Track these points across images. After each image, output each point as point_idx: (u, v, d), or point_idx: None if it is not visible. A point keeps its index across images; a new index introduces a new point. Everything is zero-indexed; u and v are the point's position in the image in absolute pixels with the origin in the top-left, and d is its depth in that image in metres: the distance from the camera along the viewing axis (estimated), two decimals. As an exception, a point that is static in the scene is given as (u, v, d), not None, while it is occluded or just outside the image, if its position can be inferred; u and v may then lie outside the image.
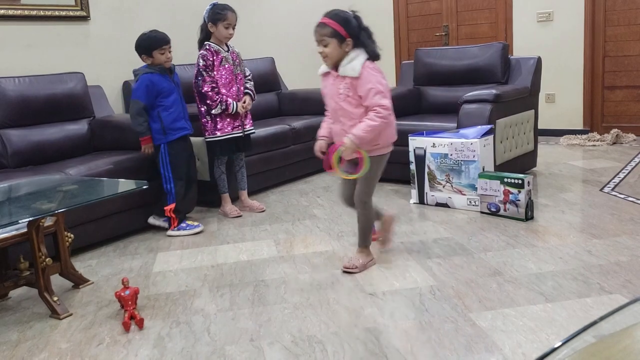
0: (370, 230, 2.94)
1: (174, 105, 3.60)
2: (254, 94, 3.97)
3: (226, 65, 3.78)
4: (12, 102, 3.71)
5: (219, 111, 3.74)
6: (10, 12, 4.00)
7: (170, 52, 3.59)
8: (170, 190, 3.63)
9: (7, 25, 4.02)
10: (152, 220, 3.71)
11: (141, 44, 3.56)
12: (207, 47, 3.75)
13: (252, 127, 4.01)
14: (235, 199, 4.12)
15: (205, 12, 3.77)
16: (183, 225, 3.66)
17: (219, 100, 3.72)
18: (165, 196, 3.65)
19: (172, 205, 3.62)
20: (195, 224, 3.69)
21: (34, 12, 4.12)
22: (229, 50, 3.83)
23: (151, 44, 3.54)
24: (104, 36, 4.57)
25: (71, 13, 4.33)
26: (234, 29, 3.78)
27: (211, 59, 3.73)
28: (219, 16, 3.72)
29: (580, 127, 6.08)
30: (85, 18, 4.42)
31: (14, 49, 4.05)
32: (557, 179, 4.41)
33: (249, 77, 3.99)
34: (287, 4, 6.25)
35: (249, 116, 3.98)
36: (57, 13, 4.25)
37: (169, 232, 3.64)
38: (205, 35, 3.80)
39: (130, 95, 3.70)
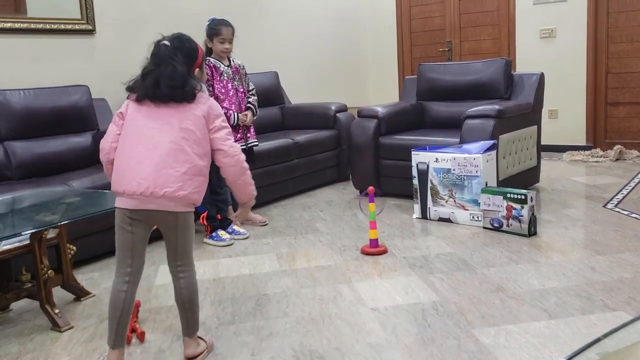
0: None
1: None
2: (256, 109, 3.98)
3: (225, 79, 3.81)
4: (17, 114, 3.72)
5: None
6: (16, 25, 4.03)
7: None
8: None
9: (13, 38, 4.05)
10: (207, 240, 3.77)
11: None
12: (207, 61, 3.78)
13: (255, 140, 4.03)
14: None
15: (205, 28, 3.82)
16: (214, 234, 3.74)
17: None
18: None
19: (205, 214, 3.71)
20: (227, 237, 3.73)
21: (40, 26, 4.15)
22: (230, 64, 3.86)
23: None
24: (109, 50, 4.60)
25: (77, 26, 4.36)
26: (230, 43, 3.79)
27: (209, 73, 3.76)
28: (213, 31, 3.77)
29: (583, 143, 6.08)
30: (91, 32, 4.45)
31: (19, 62, 4.08)
32: (560, 194, 4.40)
33: (252, 92, 4.01)
34: (290, 19, 6.29)
35: (252, 129, 4.00)
36: (62, 26, 4.28)
37: (205, 240, 3.73)
38: (209, 51, 3.83)
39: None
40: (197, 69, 2.20)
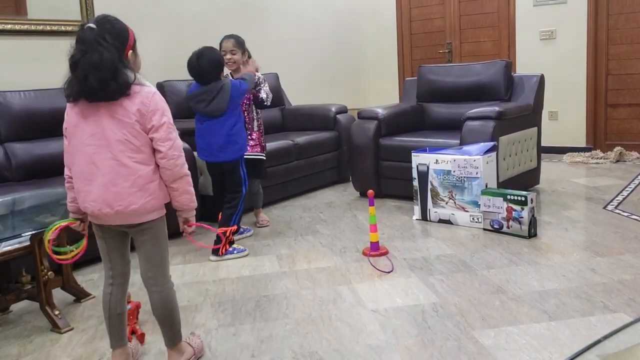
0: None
1: None
2: (264, 96, 3.79)
3: None
4: (17, 116, 3.73)
5: None
6: (17, 27, 4.03)
7: None
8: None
9: (13, 40, 4.05)
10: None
11: (220, 62, 3.43)
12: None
13: (262, 154, 3.97)
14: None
15: None
16: (230, 249, 3.48)
17: None
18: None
19: (233, 228, 3.46)
20: (241, 246, 3.55)
21: (40, 27, 4.16)
22: None
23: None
24: (110, 51, 4.59)
25: (77, 28, 4.35)
26: (232, 54, 3.69)
27: None
28: (219, 46, 3.74)
29: (583, 144, 6.08)
30: (91, 33, 4.45)
31: (20, 63, 4.08)
32: (560, 196, 4.40)
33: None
34: (290, 20, 6.30)
35: (263, 139, 3.96)
36: (63, 28, 4.28)
37: (219, 257, 3.40)
38: None
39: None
40: (130, 52, 1.97)
